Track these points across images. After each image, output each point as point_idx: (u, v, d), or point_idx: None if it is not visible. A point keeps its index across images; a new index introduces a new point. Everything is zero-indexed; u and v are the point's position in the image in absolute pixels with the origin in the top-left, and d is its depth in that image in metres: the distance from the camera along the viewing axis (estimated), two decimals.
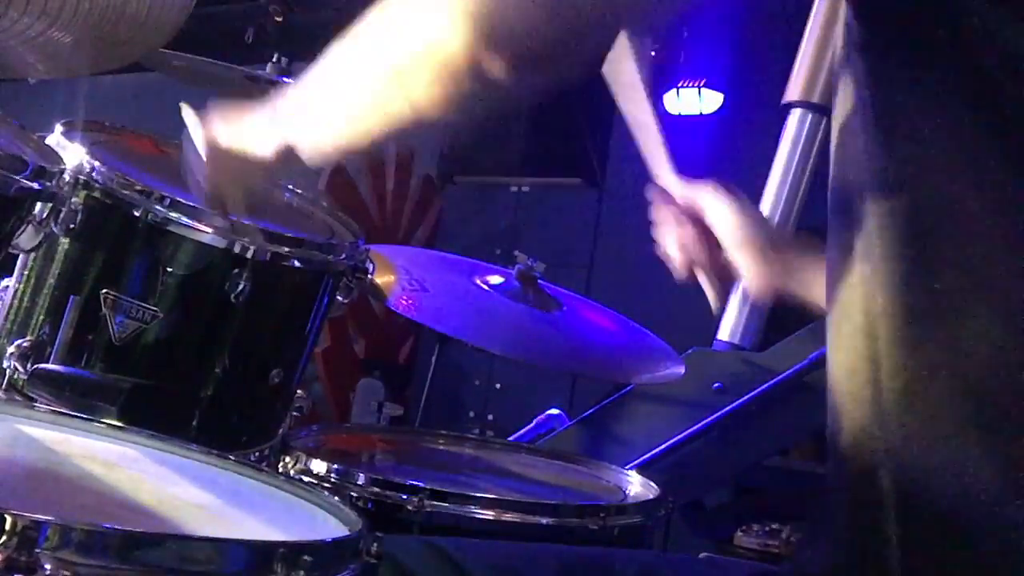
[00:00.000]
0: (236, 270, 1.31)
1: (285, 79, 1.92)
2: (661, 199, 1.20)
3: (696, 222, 1.17)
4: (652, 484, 1.55)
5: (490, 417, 4.50)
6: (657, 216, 1.20)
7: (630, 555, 1.10)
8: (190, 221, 1.30)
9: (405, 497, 1.29)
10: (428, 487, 1.30)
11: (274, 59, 2.00)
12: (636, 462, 2.23)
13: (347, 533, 0.85)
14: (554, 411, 2.44)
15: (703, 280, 1.18)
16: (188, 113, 1.08)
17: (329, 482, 1.33)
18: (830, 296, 0.87)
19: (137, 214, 1.29)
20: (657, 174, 1.19)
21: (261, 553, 0.73)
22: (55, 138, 1.33)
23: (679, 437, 2.30)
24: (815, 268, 1.07)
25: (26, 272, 1.33)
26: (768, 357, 2.38)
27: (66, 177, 1.24)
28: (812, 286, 1.11)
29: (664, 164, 1.18)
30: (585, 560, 1.05)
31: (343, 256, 1.44)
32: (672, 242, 1.18)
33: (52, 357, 1.29)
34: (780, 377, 2.30)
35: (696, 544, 3.19)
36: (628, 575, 0.99)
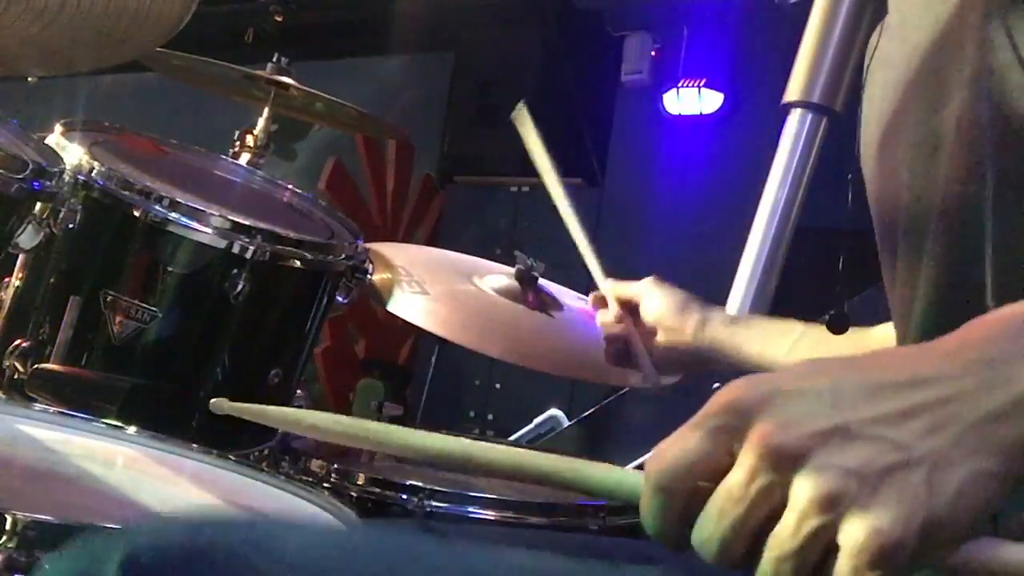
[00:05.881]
0: (235, 270, 1.31)
1: (285, 79, 1.91)
2: (598, 303, 1.37)
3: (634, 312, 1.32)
4: None
5: (490, 417, 4.49)
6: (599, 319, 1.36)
7: (629, 544, 1.10)
8: (189, 221, 1.30)
9: (405, 496, 1.29)
10: (428, 487, 1.30)
11: (274, 59, 2.00)
12: (636, 462, 2.23)
13: None
14: (554, 411, 2.44)
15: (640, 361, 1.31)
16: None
17: (329, 482, 1.33)
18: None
19: (137, 214, 1.30)
20: (599, 284, 1.39)
21: None
22: (55, 138, 1.33)
23: None
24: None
25: (26, 272, 1.33)
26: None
27: (66, 177, 1.24)
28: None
29: (601, 275, 1.40)
30: (582, 549, 1.04)
31: (342, 256, 1.44)
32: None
33: (52, 357, 1.29)
34: None
35: None
36: (626, 562, 0.99)
